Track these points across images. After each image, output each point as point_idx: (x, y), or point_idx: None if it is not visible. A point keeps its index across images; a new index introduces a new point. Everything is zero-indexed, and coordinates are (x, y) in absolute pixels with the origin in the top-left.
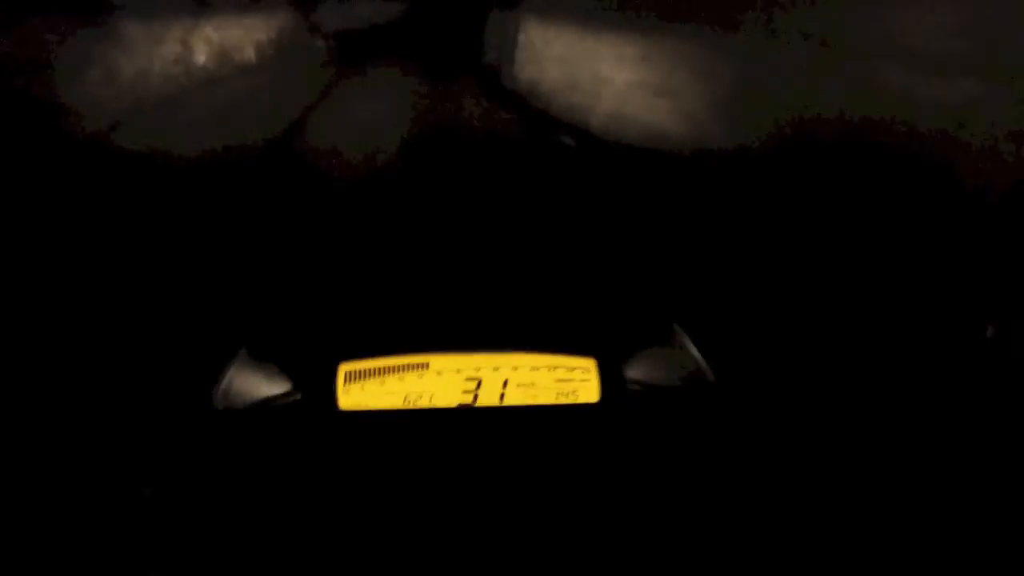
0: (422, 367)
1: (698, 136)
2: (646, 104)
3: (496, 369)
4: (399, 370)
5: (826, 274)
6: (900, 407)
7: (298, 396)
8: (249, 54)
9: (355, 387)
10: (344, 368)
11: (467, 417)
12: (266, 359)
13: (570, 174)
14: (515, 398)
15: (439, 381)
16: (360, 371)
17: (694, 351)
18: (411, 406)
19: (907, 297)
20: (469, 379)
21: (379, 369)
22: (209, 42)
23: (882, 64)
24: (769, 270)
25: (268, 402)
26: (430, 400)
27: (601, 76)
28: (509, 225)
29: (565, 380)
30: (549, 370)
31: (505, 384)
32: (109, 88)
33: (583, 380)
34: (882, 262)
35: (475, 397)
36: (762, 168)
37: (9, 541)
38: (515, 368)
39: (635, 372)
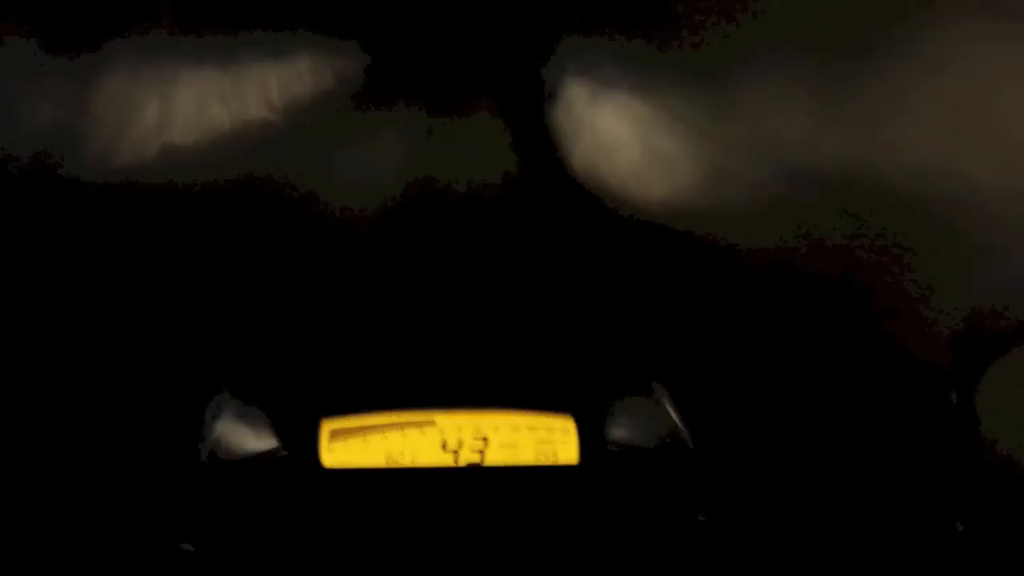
0: (405, 425)
1: (689, 197)
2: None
3: (477, 429)
4: (382, 428)
5: (815, 347)
6: (887, 484)
7: (284, 452)
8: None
9: (339, 445)
10: (328, 426)
11: (448, 476)
12: (252, 412)
13: (555, 235)
14: (496, 458)
15: (421, 440)
16: (343, 429)
17: (673, 413)
18: (394, 465)
19: (899, 368)
20: (451, 438)
21: (362, 427)
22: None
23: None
24: (755, 340)
25: (254, 457)
26: (412, 459)
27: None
28: (494, 285)
29: (545, 440)
30: (529, 430)
31: (486, 443)
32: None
33: (562, 441)
34: (874, 337)
35: (456, 456)
36: (751, 233)
37: None
38: (496, 428)
39: (614, 433)
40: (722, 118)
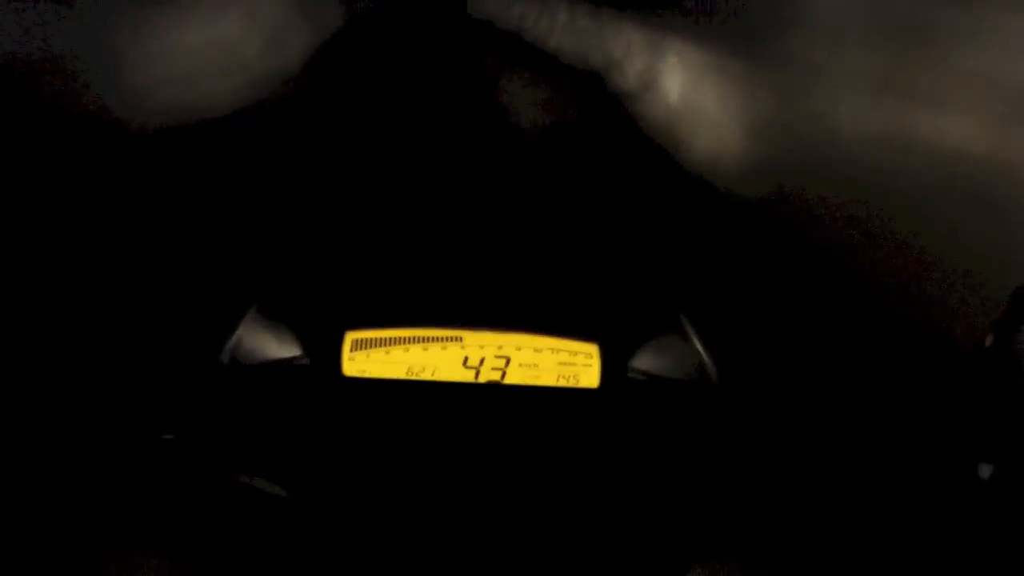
0: (427, 340)
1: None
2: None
3: (500, 347)
4: (404, 342)
5: (835, 283)
6: (901, 412)
7: (305, 360)
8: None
9: (361, 355)
10: (351, 336)
11: (468, 393)
12: (276, 320)
13: (591, 165)
14: (516, 377)
15: (443, 355)
16: (366, 340)
17: (699, 346)
18: (414, 377)
19: (911, 306)
20: (473, 355)
21: (385, 339)
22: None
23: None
24: (779, 274)
25: (275, 363)
26: (433, 373)
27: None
28: (526, 209)
29: (567, 363)
30: (552, 352)
31: (507, 363)
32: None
33: (585, 365)
34: (891, 271)
35: (477, 373)
36: (780, 177)
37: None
38: (519, 348)
39: (638, 362)
40: (768, 79)
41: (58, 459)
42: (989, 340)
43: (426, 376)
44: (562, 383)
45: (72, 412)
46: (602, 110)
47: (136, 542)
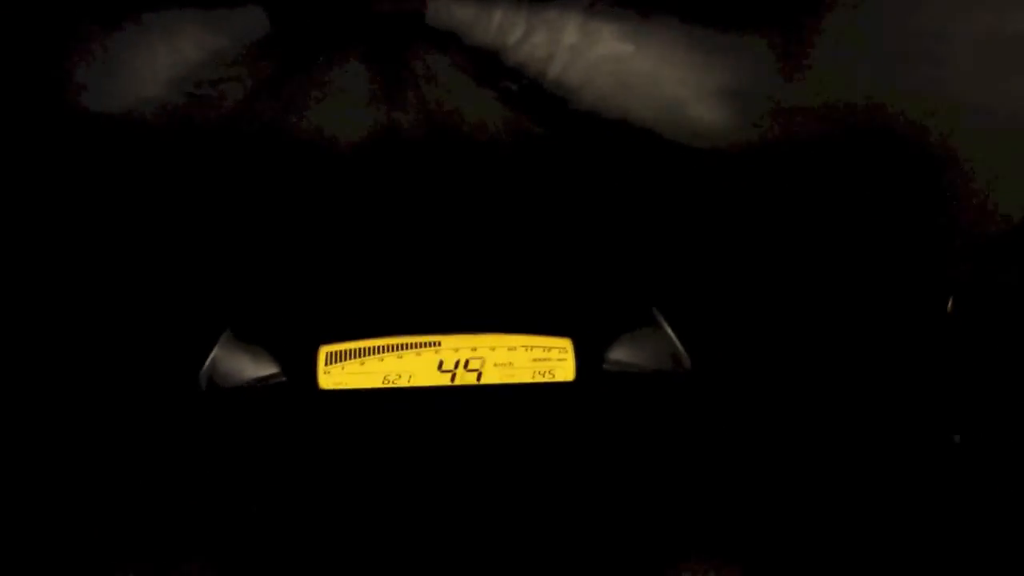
0: (401, 348)
1: (686, 125)
2: (641, 92)
3: (474, 349)
4: (378, 351)
5: (807, 266)
6: (877, 398)
7: (281, 377)
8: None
9: (336, 368)
10: (325, 350)
11: (445, 396)
12: (250, 341)
13: (554, 160)
14: (493, 377)
15: (418, 361)
16: (340, 352)
17: (672, 335)
18: (390, 385)
19: (885, 287)
20: (447, 359)
21: (359, 350)
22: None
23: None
24: (751, 260)
25: (252, 383)
26: (409, 380)
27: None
28: (490, 209)
29: (542, 359)
30: (526, 350)
31: (483, 364)
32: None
33: (560, 359)
34: (860, 255)
35: (453, 376)
36: (748, 160)
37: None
38: (492, 348)
39: (612, 353)
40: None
41: (33, 494)
42: (950, 305)
43: (403, 383)
44: (538, 379)
45: (50, 449)
46: (550, 103)
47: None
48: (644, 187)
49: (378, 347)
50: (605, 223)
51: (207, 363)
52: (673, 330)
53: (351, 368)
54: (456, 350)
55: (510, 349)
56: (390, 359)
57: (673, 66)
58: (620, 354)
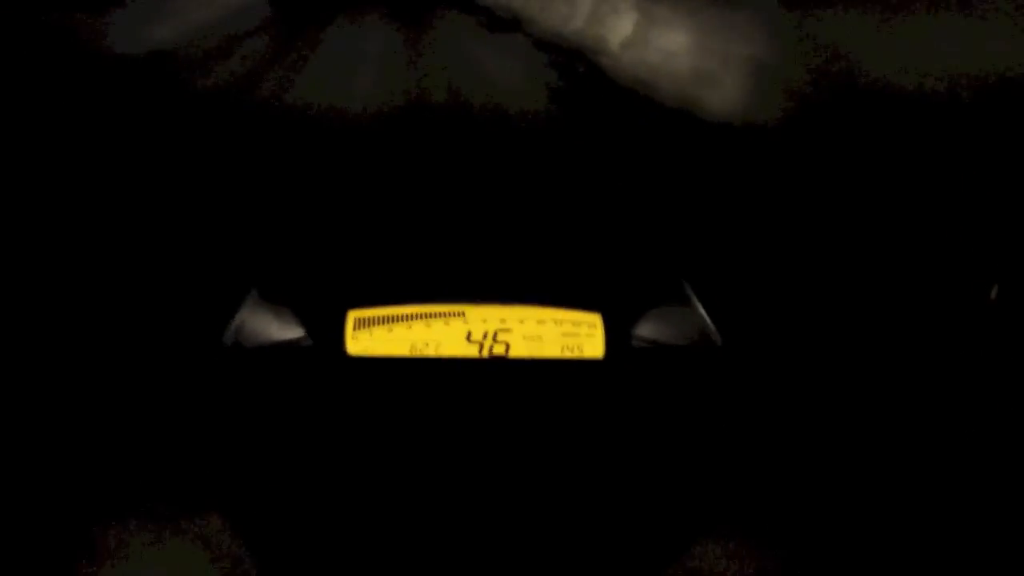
0: (430, 316)
1: (718, 103)
2: (672, 68)
3: (503, 321)
4: (407, 319)
5: (835, 244)
6: (903, 378)
7: (308, 341)
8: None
9: (363, 334)
10: (353, 315)
11: (472, 367)
12: (278, 302)
13: (586, 135)
14: (520, 350)
15: (446, 331)
16: (369, 318)
17: (702, 311)
18: (418, 354)
19: (911, 267)
20: (476, 330)
21: (387, 317)
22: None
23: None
24: (780, 237)
25: (278, 345)
26: (436, 349)
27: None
28: (521, 180)
29: (571, 334)
30: (555, 324)
31: (510, 336)
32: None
33: (588, 335)
34: (887, 233)
35: (481, 348)
36: (776, 138)
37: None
38: (521, 321)
39: (641, 329)
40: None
41: (59, 446)
42: (994, 293)
43: (430, 352)
44: (566, 354)
45: (76, 401)
46: (585, 74)
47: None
48: (675, 161)
49: (407, 315)
50: (636, 197)
51: (233, 321)
52: (703, 306)
53: (379, 334)
54: (484, 320)
55: (539, 322)
56: (418, 327)
57: (704, 42)
58: (649, 330)
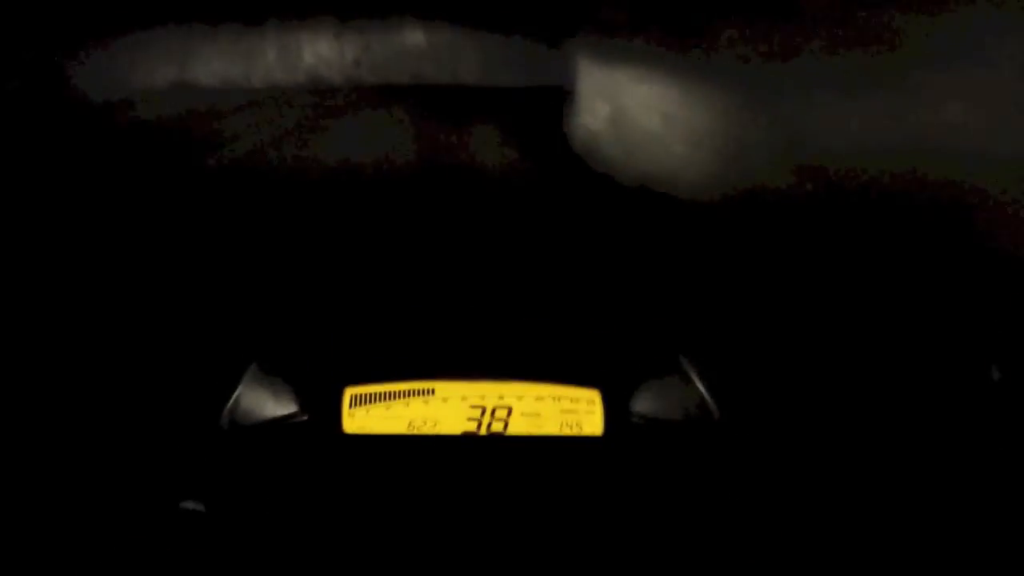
0: (428, 393)
1: (713, 177)
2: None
3: (501, 398)
4: (404, 395)
5: (835, 314)
6: (907, 450)
7: (304, 417)
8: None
9: (360, 411)
10: (350, 392)
11: (471, 445)
12: (274, 378)
13: (581, 210)
14: (519, 427)
15: (444, 408)
16: (365, 395)
17: (700, 386)
18: (415, 432)
19: (915, 339)
20: (474, 407)
21: (384, 394)
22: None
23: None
24: (778, 308)
25: (274, 422)
26: (434, 427)
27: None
28: (519, 256)
29: (569, 411)
30: (554, 400)
31: (509, 413)
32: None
33: (587, 412)
34: (889, 305)
35: (479, 425)
36: (773, 210)
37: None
38: (520, 397)
39: (640, 405)
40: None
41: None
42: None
43: (428, 430)
44: (565, 431)
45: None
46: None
47: None
48: (671, 236)
49: (404, 391)
50: (633, 272)
51: (229, 401)
52: (702, 380)
53: (376, 412)
54: (483, 397)
55: (537, 399)
56: (416, 404)
57: (686, 118)
58: (648, 406)
